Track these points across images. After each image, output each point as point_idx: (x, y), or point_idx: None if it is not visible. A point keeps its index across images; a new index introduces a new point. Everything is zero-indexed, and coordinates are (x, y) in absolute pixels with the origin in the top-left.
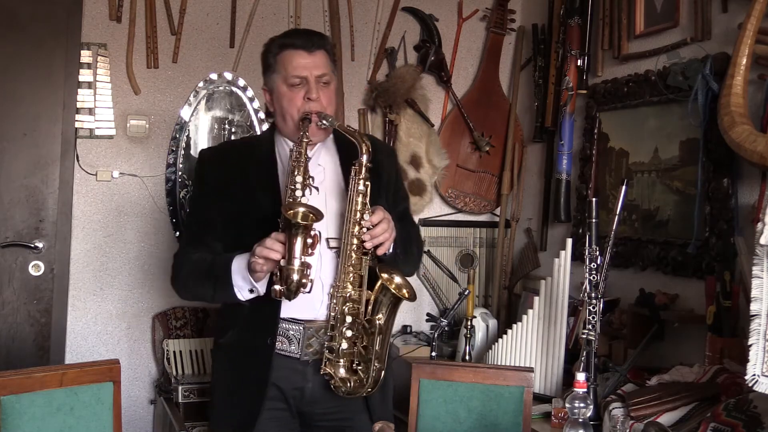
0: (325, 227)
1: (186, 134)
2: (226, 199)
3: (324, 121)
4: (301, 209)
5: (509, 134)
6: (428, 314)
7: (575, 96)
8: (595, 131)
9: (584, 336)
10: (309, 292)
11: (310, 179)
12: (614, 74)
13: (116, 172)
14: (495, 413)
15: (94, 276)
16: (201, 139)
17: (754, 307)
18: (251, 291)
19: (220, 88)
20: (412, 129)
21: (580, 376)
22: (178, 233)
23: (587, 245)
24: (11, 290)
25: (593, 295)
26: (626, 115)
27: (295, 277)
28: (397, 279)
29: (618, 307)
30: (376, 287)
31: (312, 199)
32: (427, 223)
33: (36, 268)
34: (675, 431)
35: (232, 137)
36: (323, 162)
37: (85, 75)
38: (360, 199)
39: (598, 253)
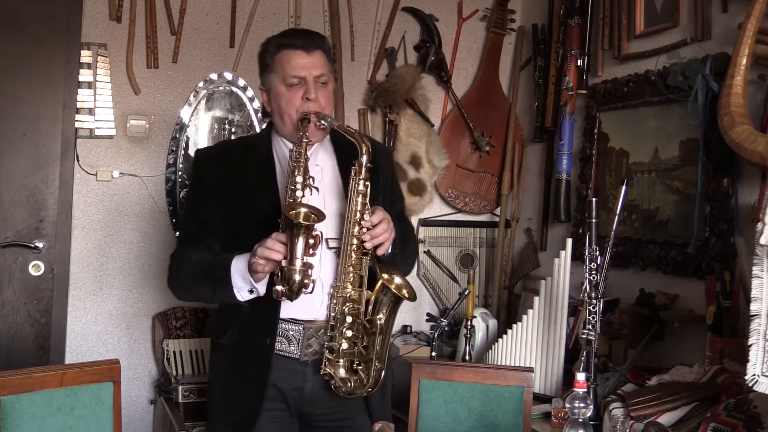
0: (324, 227)
1: (186, 134)
2: (225, 199)
3: (323, 122)
4: (303, 209)
5: (509, 134)
6: (428, 314)
7: (575, 96)
8: (595, 131)
9: (584, 336)
10: (311, 292)
11: (311, 179)
12: (614, 74)
13: (116, 172)
14: (495, 413)
15: (94, 276)
16: (201, 139)
17: (754, 307)
18: (251, 291)
19: (220, 88)
20: (412, 129)
21: (580, 376)
22: (177, 233)
23: (587, 245)
24: (11, 290)
25: (593, 295)
26: (626, 115)
27: (297, 277)
28: (398, 279)
29: (618, 307)
30: (377, 287)
31: (311, 200)
32: (427, 223)
33: (36, 268)
34: (675, 431)
35: (232, 137)
36: (321, 162)
37: (85, 75)
38: (360, 200)
39: (598, 253)
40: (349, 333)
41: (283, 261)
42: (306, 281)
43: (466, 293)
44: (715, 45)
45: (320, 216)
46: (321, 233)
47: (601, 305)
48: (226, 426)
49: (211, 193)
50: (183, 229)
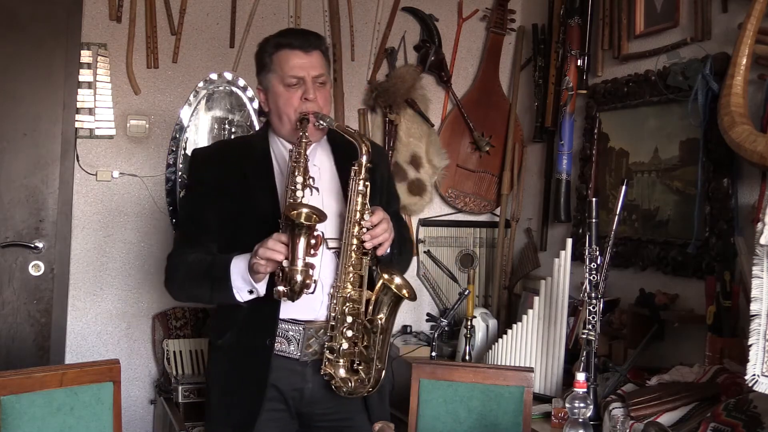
0: (324, 227)
1: (186, 134)
2: (224, 199)
3: (321, 122)
4: (305, 210)
5: (509, 134)
6: (428, 314)
7: (575, 96)
8: (595, 131)
9: (584, 336)
10: (313, 292)
11: (310, 179)
12: (614, 74)
13: (116, 172)
14: (495, 413)
15: (94, 276)
16: (201, 139)
17: (754, 307)
18: (251, 292)
19: (220, 88)
20: (412, 129)
21: (580, 376)
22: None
23: (587, 245)
24: (11, 290)
25: (593, 295)
26: (626, 115)
27: (299, 278)
28: (398, 279)
29: (618, 307)
30: (377, 287)
31: (310, 200)
32: (427, 223)
33: (36, 268)
34: (675, 431)
35: (232, 137)
36: (319, 162)
37: (85, 75)
38: (360, 200)
39: (598, 253)
40: (350, 333)
41: (284, 261)
42: (308, 281)
43: (466, 293)
44: (715, 45)
45: (322, 216)
46: (322, 233)
47: (601, 305)
48: (225, 426)
49: (208, 194)
50: (180, 230)
